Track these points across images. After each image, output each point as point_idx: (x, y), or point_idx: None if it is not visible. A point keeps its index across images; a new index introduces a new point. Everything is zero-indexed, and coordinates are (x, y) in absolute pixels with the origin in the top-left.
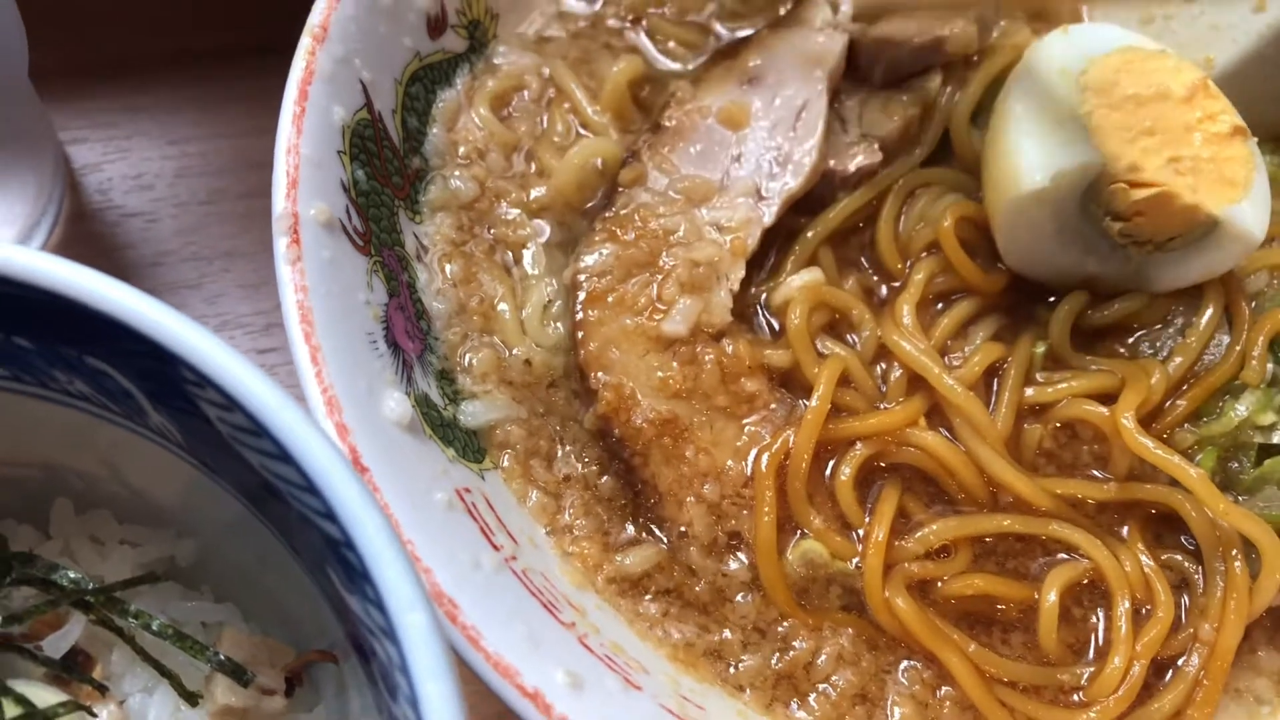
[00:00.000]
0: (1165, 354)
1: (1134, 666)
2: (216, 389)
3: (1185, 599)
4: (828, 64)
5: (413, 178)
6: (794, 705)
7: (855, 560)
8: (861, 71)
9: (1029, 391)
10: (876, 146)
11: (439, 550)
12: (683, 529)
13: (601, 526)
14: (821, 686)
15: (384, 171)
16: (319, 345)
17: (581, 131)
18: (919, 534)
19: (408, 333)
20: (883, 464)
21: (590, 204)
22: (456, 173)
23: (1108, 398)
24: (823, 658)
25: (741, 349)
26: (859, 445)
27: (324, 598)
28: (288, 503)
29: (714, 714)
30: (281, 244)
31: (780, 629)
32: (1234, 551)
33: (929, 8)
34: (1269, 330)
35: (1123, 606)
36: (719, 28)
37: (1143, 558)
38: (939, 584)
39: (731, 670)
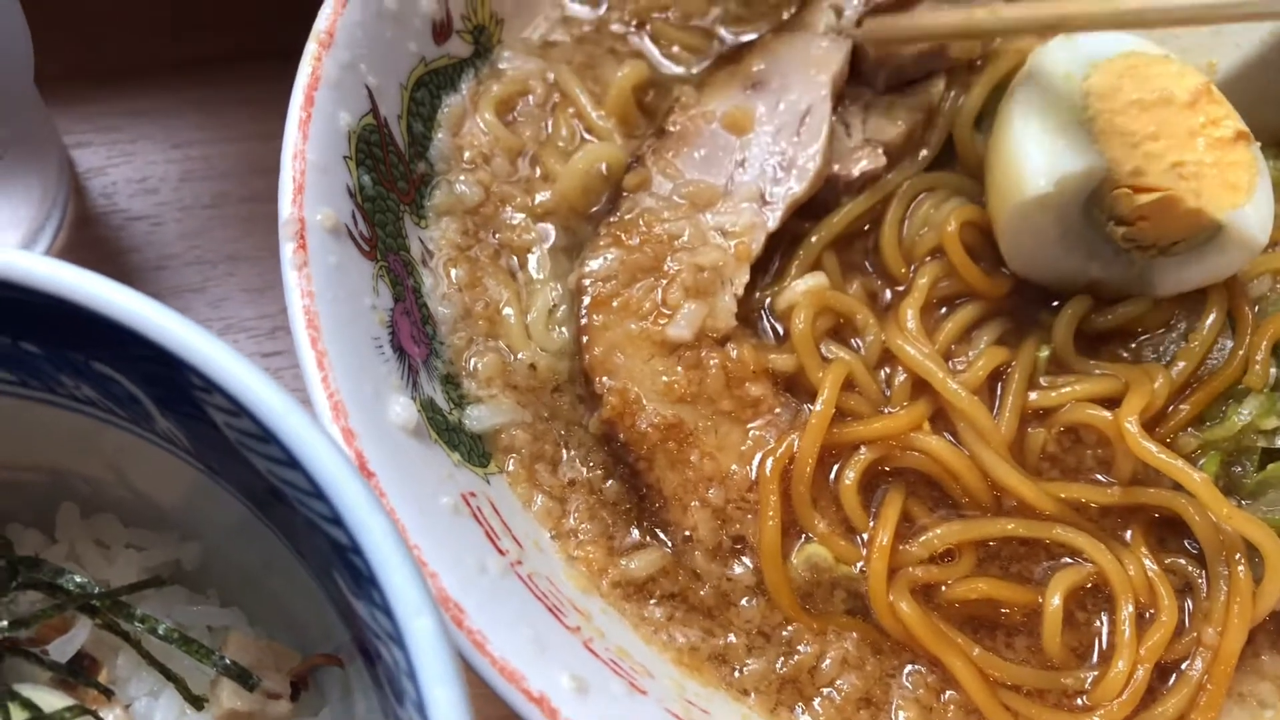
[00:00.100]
0: (1169, 358)
1: (1138, 670)
2: (224, 394)
3: (1189, 603)
4: (831, 69)
5: (418, 183)
6: (799, 709)
7: (860, 564)
8: (865, 76)
9: (1033, 396)
10: (880, 151)
11: (445, 554)
12: (687, 533)
13: (606, 531)
14: (826, 691)
15: (389, 177)
16: (325, 350)
17: (586, 136)
18: (923, 538)
19: (413, 337)
20: (887, 468)
21: (595, 209)
22: (461, 178)
23: (1111, 402)
24: (827, 662)
25: (746, 354)
26: (863, 449)
27: (330, 602)
28: (294, 507)
29: (719, 718)
30: (288, 249)
31: (785, 633)
32: (1237, 556)
33: (941, 40)
34: (1272, 335)
35: (1126, 610)
36: (723, 32)
37: (1146, 562)
38: (943, 588)
39: (736, 674)
